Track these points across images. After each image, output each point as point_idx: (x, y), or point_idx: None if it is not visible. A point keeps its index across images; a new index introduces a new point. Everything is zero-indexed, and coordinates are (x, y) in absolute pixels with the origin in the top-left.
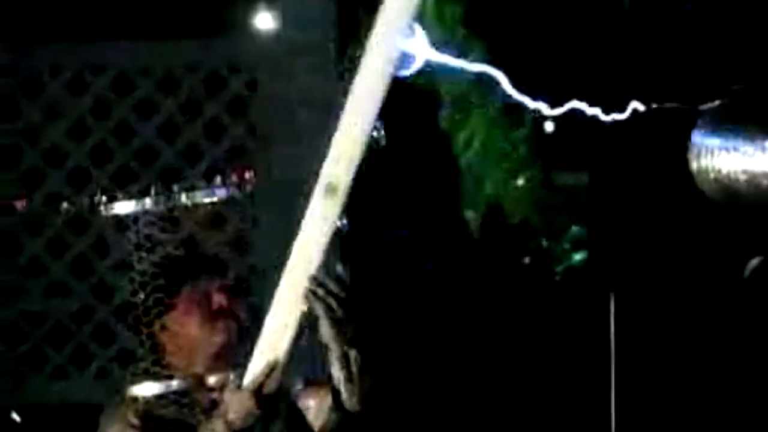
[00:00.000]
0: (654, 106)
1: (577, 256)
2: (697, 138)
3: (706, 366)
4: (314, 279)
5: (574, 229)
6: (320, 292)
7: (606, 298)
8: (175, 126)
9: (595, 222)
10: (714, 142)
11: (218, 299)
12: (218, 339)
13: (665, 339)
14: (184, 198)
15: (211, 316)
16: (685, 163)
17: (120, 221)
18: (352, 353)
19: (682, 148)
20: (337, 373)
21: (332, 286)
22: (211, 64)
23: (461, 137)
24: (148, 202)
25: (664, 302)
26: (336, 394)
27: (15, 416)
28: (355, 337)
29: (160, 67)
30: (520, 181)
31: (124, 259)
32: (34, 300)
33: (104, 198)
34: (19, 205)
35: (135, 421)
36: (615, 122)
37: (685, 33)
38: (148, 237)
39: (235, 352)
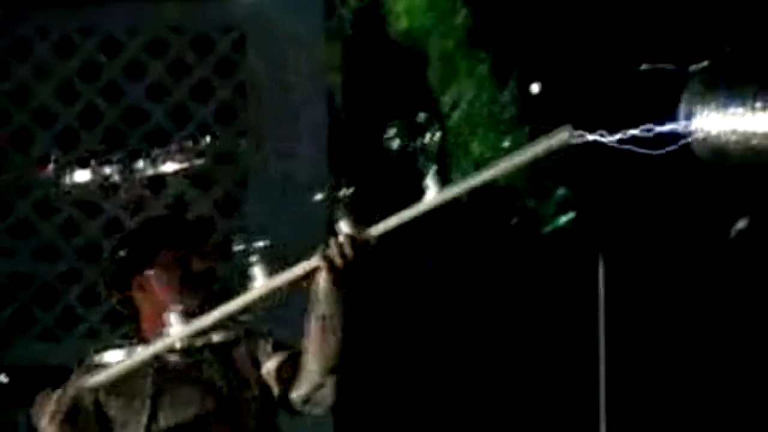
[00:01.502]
0: (642, 66)
1: (564, 217)
2: (687, 99)
3: (693, 325)
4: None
5: (561, 190)
6: (331, 243)
7: (594, 258)
8: (164, 87)
9: (582, 183)
10: (704, 102)
11: (196, 264)
12: (190, 302)
13: (653, 299)
14: (169, 160)
15: (186, 279)
16: (674, 122)
17: (109, 183)
18: (337, 313)
19: (671, 108)
20: (311, 332)
21: (343, 238)
22: (199, 25)
23: (448, 99)
24: (135, 164)
25: (652, 262)
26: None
27: (1, 377)
28: (343, 299)
29: (148, 28)
30: (507, 143)
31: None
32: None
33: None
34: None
35: (90, 385)
36: (602, 82)
37: None
38: (135, 199)
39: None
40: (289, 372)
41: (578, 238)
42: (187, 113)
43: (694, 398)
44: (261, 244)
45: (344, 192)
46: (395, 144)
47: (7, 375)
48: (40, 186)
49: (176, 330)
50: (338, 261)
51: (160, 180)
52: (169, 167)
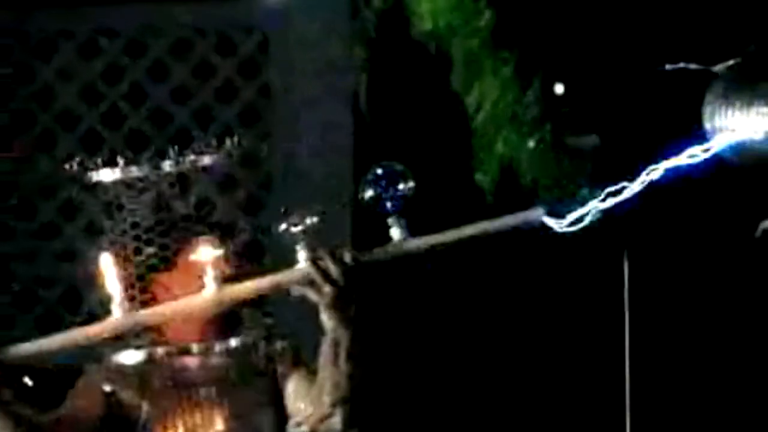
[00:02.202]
0: (667, 66)
1: (589, 216)
2: (711, 98)
3: (719, 324)
4: (316, 262)
5: (585, 189)
6: (318, 279)
7: (619, 257)
8: (188, 89)
9: (607, 182)
10: (728, 102)
11: (217, 267)
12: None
13: (679, 297)
14: (194, 161)
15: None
16: (699, 122)
17: (132, 182)
18: (344, 338)
19: (695, 108)
20: (324, 358)
21: (332, 269)
22: (223, 26)
23: (472, 99)
24: (161, 164)
25: (677, 261)
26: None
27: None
28: (349, 322)
29: (171, 30)
30: (531, 143)
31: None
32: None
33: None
34: None
35: (107, 388)
36: (626, 82)
37: None
38: (158, 198)
39: (223, 322)
40: (303, 395)
41: (603, 237)
42: (211, 115)
43: (719, 397)
44: (308, 221)
45: (306, 220)
46: (368, 193)
47: (32, 378)
48: (65, 188)
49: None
50: (326, 288)
51: (185, 180)
52: (194, 168)
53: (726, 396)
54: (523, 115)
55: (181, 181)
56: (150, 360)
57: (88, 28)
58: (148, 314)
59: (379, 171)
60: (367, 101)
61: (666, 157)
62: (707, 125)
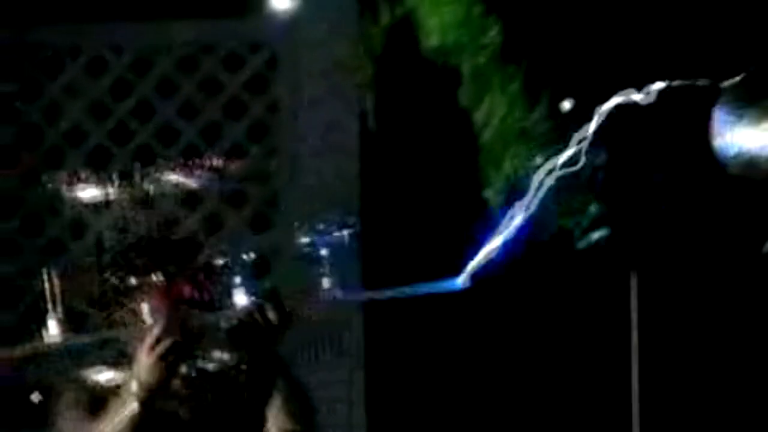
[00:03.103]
0: (674, 83)
1: (597, 234)
2: (719, 114)
3: (727, 342)
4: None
5: (593, 206)
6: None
7: (627, 275)
8: (195, 105)
9: (615, 200)
10: (736, 118)
11: (182, 289)
12: (173, 327)
13: (687, 315)
14: (157, 180)
15: (174, 303)
16: (707, 139)
17: (97, 202)
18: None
19: (702, 124)
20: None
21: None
22: (231, 42)
23: (480, 115)
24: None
25: (685, 278)
26: None
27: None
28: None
29: (179, 46)
30: (539, 160)
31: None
32: None
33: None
34: None
35: (86, 404)
36: (634, 100)
37: (704, 9)
38: (122, 218)
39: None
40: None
41: (611, 255)
42: (219, 131)
43: (727, 415)
44: (245, 257)
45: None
46: (306, 242)
47: (41, 393)
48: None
49: None
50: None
51: (147, 200)
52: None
53: (734, 410)
54: (531, 131)
55: (145, 199)
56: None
57: (97, 45)
58: None
59: (321, 225)
60: (376, 117)
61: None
62: (715, 141)
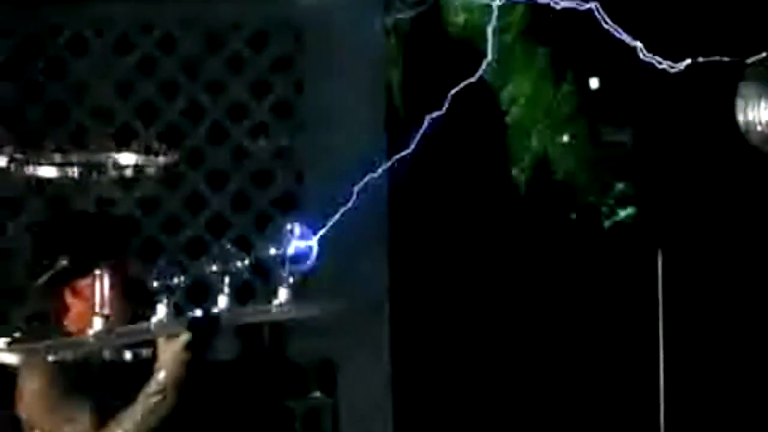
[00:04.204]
0: (699, 59)
1: (624, 212)
2: (744, 90)
3: (752, 320)
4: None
5: (620, 184)
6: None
7: (653, 253)
8: (220, 84)
9: (642, 177)
10: (761, 93)
11: (131, 271)
12: (121, 311)
13: (712, 293)
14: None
15: (120, 288)
16: (732, 115)
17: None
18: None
19: (728, 100)
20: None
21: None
22: (256, 21)
23: (506, 94)
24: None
25: (711, 257)
26: None
27: None
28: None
29: (204, 24)
30: (566, 137)
31: None
32: None
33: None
34: None
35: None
36: (660, 75)
37: None
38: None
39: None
40: None
41: (638, 233)
42: (244, 110)
43: (754, 391)
44: (176, 281)
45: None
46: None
47: None
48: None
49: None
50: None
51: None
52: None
53: (761, 386)
54: (558, 109)
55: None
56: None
57: (123, 24)
58: None
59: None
60: (402, 96)
61: None
62: (740, 118)
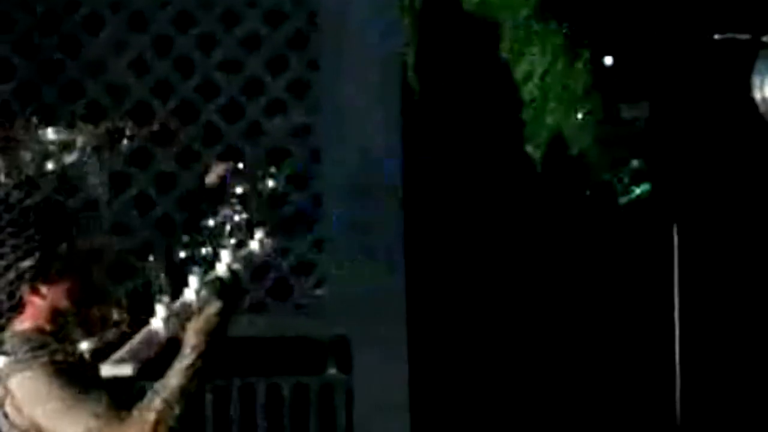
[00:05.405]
0: (716, 36)
1: (639, 189)
2: (760, 67)
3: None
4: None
5: (635, 161)
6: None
7: (669, 229)
8: (237, 60)
9: (657, 154)
10: None
11: (96, 272)
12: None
13: (728, 270)
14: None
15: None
16: (747, 91)
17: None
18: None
19: (745, 77)
20: None
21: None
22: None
23: (521, 70)
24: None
25: (727, 233)
26: None
27: None
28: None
29: (220, 1)
30: (580, 114)
31: None
32: None
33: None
34: None
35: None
36: (675, 52)
37: None
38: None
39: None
40: None
41: (653, 210)
42: (261, 87)
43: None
44: (177, 305)
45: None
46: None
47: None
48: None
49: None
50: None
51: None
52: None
53: None
54: (573, 85)
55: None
56: None
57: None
58: None
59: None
60: (417, 73)
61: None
62: (756, 95)
